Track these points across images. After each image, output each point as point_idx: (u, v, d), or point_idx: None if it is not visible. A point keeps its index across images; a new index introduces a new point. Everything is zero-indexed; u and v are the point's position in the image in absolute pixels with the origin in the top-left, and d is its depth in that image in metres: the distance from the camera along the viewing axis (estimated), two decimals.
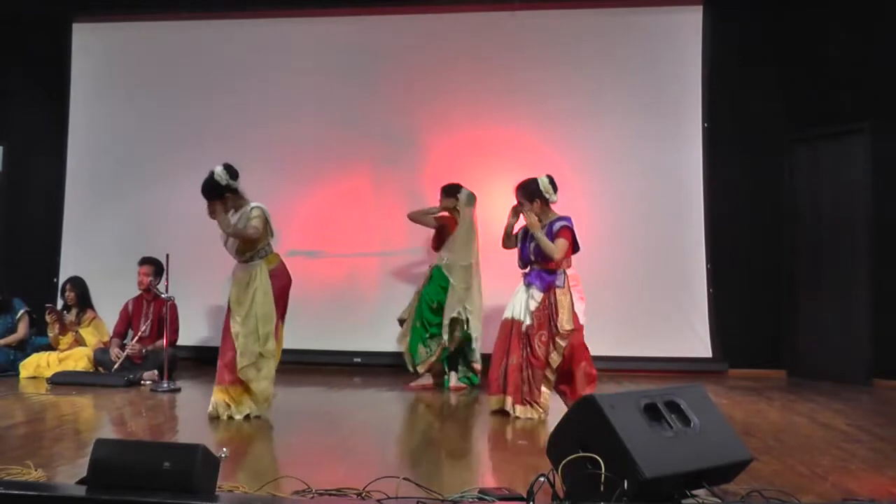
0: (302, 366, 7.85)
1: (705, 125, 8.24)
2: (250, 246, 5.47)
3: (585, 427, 3.23)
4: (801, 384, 7.44)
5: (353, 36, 8.71)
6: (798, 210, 8.06)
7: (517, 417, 5.52)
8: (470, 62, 8.50)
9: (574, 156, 8.24)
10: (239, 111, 8.72)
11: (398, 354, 7.46)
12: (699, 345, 8.04)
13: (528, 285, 5.67)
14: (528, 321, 5.59)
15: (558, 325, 5.53)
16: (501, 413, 5.64)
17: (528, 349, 5.58)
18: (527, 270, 5.76)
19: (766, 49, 8.19)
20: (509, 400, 5.59)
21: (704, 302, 8.11)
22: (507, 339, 5.68)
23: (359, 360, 8.31)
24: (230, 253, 5.56)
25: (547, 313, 5.58)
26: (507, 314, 5.74)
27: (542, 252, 5.60)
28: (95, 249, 8.73)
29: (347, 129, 8.58)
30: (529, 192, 5.67)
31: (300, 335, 7.55)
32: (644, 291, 8.08)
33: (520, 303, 5.67)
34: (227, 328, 5.48)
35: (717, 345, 8.03)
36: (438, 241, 7.29)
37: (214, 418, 5.40)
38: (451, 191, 7.24)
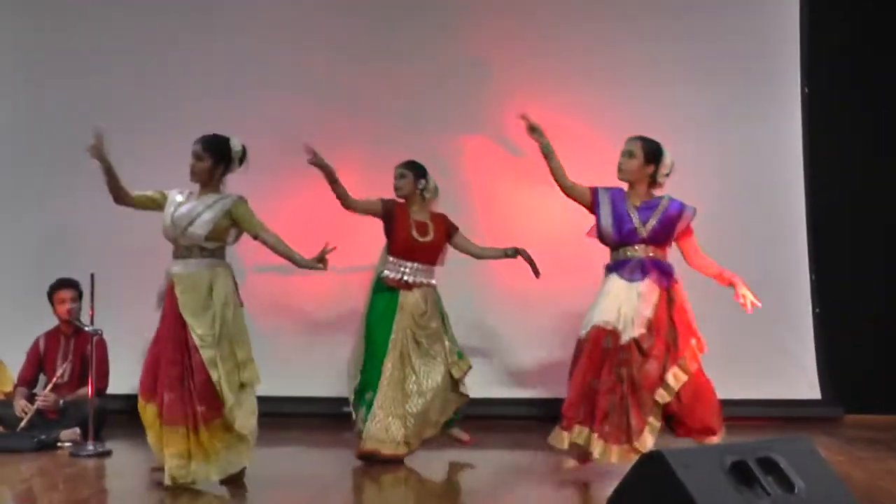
0: (275, 418, 7.77)
1: (805, 91, 8.19)
2: (218, 237, 5.55)
3: (652, 493, 3.24)
4: None
5: None
6: None
7: (606, 460, 5.47)
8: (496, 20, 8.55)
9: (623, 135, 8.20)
10: (184, 86, 8.73)
11: None
12: (803, 383, 8.01)
13: (633, 280, 5.61)
14: (637, 330, 5.50)
15: (696, 334, 5.58)
16: (576, 453, 5.58)
17: (629, 368, 5.48)
18: (622, 258, 5.71)
19: None
20: (594, 437, 5.49)
21: (809, 326, 8.11)
22: (596, 355, 5.56)
23: (348, 409, 8.25)
24: (182, 237, 5.52)
25: (667, 318, 5.56)
26: (599, 318, 5.59)
27: (667, 229, 5.67)
28: None
29: (334, 108, 8.62)
30: (650, 151, 5.83)
31: (272, 377, 7.46)
32: (728, 313, 7.88)
33: (621, 304, 5.56)
34: (177, 346, 5.43)
35: (827, 383, 8.00)
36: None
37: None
38: None
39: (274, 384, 7.65)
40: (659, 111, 8.20)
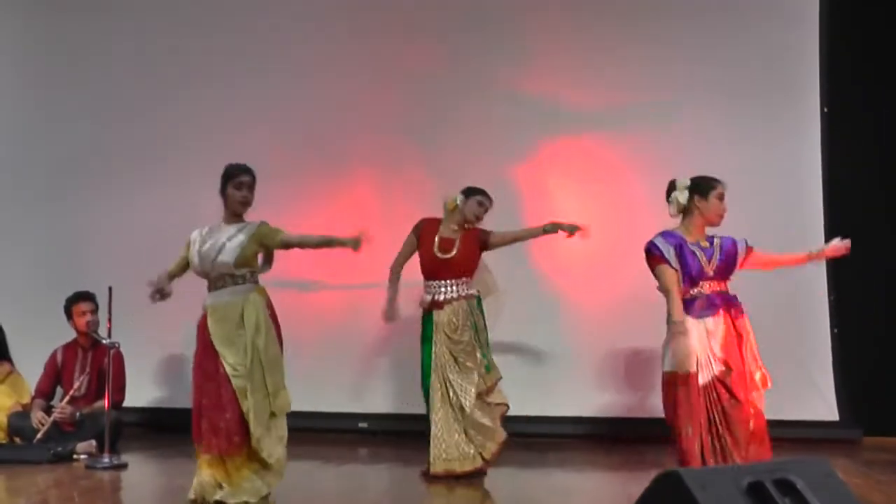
0: (289, 433, 7.78)
1: (825, 110, 8.18)
2: (248, 263, 5.54)
3: None
4: None
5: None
6: None
7: None
8: (512, 31, 8.55)
9: (641, 155, 8.24)
10: (202, 99, 8.81)
11: (418, 417, 7.36)
12: (821, 404, 7.94)
13: (702, 317, 5.40)
14: (717, 367, 5.31)
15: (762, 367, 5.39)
16: None
17: (721, 407, 5.28)
18: (697, 294, 5.48)
19: None
20: None
21: (827, 346, 8.04)
22: (694, 398, 5.32)
23: (365, 424, 8.29)
24: (212, 270, 5.51)
25: (736, 347, 5.36)
26: (684, 362, 5.31)
27: (730, 264, 5.53)
28: (11, 283, 8.79)
29: (347, 123, 8.64)
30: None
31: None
32: None
33: (695, 345, 5.33)
34: (208, 376, 5.43)
35: (845, 404, 7.94)
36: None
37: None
38: None
39: (293, 397, 7.76)
40: (677, 131, 8.21)
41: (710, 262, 5.48)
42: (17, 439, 7.30)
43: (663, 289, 5.40)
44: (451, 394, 6.48)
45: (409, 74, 8.65)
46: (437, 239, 6.69)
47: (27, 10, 9.27)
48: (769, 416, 7.80)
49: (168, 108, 8.85)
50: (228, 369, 5.38)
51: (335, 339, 8.43)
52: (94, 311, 7.52)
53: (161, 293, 5.62)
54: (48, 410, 7.38)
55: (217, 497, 5.35)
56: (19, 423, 7.34)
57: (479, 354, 6.60)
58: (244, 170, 5.59)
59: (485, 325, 6.76)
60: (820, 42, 8.24)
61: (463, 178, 7.95)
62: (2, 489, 6.04)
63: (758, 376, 5.35)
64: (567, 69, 8.44)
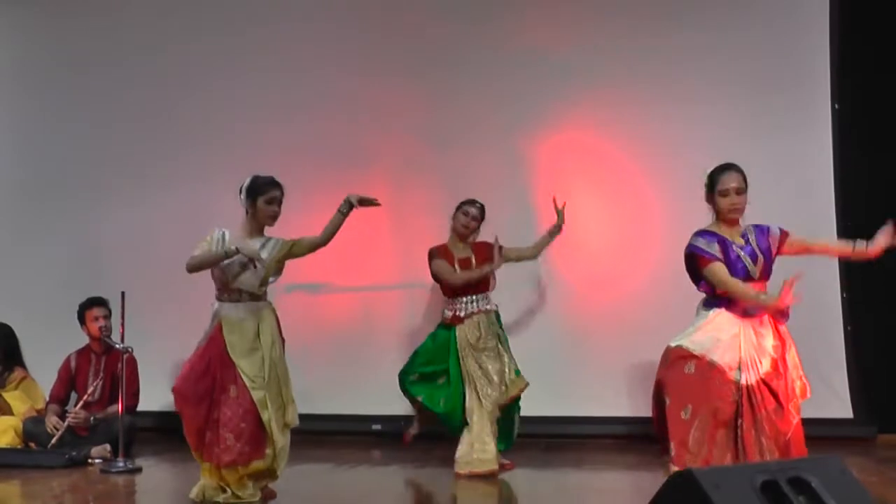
0: (303, 435, 7.79)
1: (835, 107, 8.16)
2: (267, 282, 5.61)
3: None
4: None
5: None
6: None
7: None
8: (523, 32, 8.55)
9: (648, 151, 8.25)
10: (214, 103, 8.83)
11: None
12: (835, 402, 7.90)
13: (747, 315, 5.18)
14: (763, 369, 5.11)
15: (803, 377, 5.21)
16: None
17: (765, 411, 5.05)
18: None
19: None
20: None
21: (840, 343, 8.01)
22: (725, 392, 5.08)
23: (378, 426, 8.29)
24: (242, 284, 5.52)
25: (781, 352, 5.19)
26: (722, 357, 5.12)
27: (770, 260, 5.28)
28: (23, 289, 8.81)
29: (358, 122, 8.66)
30: (745, 180, 5.41)
31: (300, 395, 7.53)
32: None
33: (733, 341, 5.14)
34: (222, 388, 5.45)
35: (859, 401, 7.92)
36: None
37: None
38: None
39: (304, 403, 7.77)
40: (688, 128, 8.18)
41: (755, 263, 5.26)
42: (33, 444, 7.33)
43: (721, 286, 5.16)
44: (479, 399, 6.70)
45: (422, 73, 8.65)
46: (455, 261, 6.90)
47: (49, 19, 9.29)
48: None
49: (180, 113, 8.89)
50: (247, 381, 5.41)
51: (348, 342, 8.45)
52: (107, 316, 7.54)
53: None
54: (62, 416, 7.40)
55: (220, 500, 5.41)
56: (34, 428, 7.37)
57: (506, 360, 6.84)
58: (275, 184, 5.60)
59: (506, 336, 7.00)
60: (830, 37, 8.20)
61: (474, 179, 8.01)
62: (17, 494, 6.07)
63: (797, 386, 5.19)
64: (579, 68, 8.41)
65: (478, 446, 6.62)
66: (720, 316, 5.21)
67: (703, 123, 8.20)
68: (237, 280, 5.50)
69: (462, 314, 6.88)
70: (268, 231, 5.69)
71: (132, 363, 7.35)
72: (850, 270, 8.00)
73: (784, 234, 5.42)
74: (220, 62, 8.90)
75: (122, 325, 7.05)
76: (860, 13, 8.19)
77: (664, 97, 8.26)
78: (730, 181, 5.34)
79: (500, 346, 6.88)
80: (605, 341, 8.13)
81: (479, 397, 6.71)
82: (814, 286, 7.97)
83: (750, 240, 5.34)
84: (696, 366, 5.12)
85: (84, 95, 9.08)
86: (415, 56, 8.68)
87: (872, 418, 7.90)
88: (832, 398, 7.90)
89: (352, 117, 8.67)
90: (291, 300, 8.06)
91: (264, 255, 5.51)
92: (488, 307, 6.93)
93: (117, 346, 7.12)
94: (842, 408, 7.90)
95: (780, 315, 5.24)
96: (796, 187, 8.12)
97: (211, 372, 5.48)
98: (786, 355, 5.19)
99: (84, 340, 7.69)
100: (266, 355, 5.47)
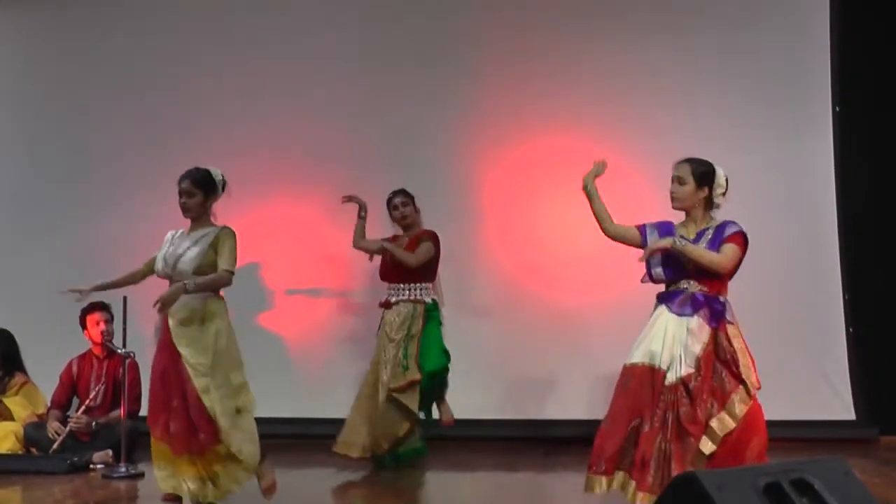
0: (302, 440, 7.79)
1: (836, 110, 8.17)
2: (208, 271, 5.52)
3: None
4: None
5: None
6: None
7: None
8: (512, 31, 8.58)
9: (651, 156, 8.17)
10: (220, 105, 8.89)
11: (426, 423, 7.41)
12: (837, 403, 7.92)
13: (682, 314, 5.10)
14: (685, 369, 4.99)
15: (745, 378, 5.05)
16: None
17: (676, 412, 4.94)
18: (674, 289, 5.20)
19: None
20: (633, 485, 4.90)
21: (842, 345, 8.02)
22: (640, 395, 5.03)
23: None
24: (174, 275, 5.53)
25: (715, 359, 5.05)
26: (642, 358, 5.08)
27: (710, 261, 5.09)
28: (25, 294, 8.80)
29: (356, 123, 8.69)
30: (701, 174, 5.29)
31: (302, 397, 7.57)
32: (759, 332, 7.86)
33: (666, 340, 5.06)
34: (169, 378, 5.44)
35: (861, 403, 7.92)
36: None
37: None
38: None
39: (301, 406, 7.77)
40: (689, 130, 8.18)
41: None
42: (34, 450, 7.31)
43: (620, 238, 5.42)
44: (375, 384, 7.05)
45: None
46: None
47: (51, 21, 9.31)
48: (785, 416, 7.82)
49: (182, 116, 8.90)
50: (190, 370, 5.39)
51: (341, 345, 8.41)
52: (109, 320, 7.53)
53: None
54: (64, 421, 7.38)
55: (211, 497, 5.40)
56: (35, 433, 7.35)
57: (410, 351, 6.99)
58: (181, 179, 5.71)
59: (423, 332, 7.06)
60: (831, 41, 8.22)
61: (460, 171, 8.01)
62: (19, 500, 6.07)
63: (741, 388, 5.05)
64: (575, 72, 8.43)
65: (349, 429, 7.03)
66: (660, 317, 5.16)
67: (704, 126, 8.20)
68: (175, 271, 5.56)
69: (392, 300, 7.19)
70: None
71: (134, 368, 7.33)
72: (852, 273, 8.01)
73: (725, 239, 5.20)
74: (220, 62, 8.92)
75: (124, 329, 7.05)
76: (861, 16, 8.22)
77: (663, 99, 8.26)
78: (673, 171, 5.32)
79: (408, 338, 7.02)
80: (605, 341, 8.10)
81: (375, 378, 7.06)
82: (816, 288, 8.02)
83: (705, 237, 5.21)
84: (633, 376, 5.09)
85: (87, 97, 9.08)
86: (414, 56, 8.70)
87: (875, 420, 7.90)
88: (834, 400, 7.91)
89: (352, 118, 8.69)
90: (292, 301, 8.08)
91: (195, 249, 5.55)
92: (414, 297, 7.14)
93: (119, 350, 7.11)
94: (844, 409, 7.91)
95: (721, 319, 5.10)
96: (797, 190, 8.13)
97: (168, 364, 5.48)
98: (723, 357, 5.06)
99: (86, 345, 7.67)
100: (211, 344, 5.42)
